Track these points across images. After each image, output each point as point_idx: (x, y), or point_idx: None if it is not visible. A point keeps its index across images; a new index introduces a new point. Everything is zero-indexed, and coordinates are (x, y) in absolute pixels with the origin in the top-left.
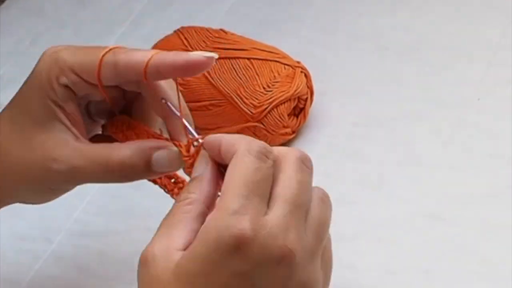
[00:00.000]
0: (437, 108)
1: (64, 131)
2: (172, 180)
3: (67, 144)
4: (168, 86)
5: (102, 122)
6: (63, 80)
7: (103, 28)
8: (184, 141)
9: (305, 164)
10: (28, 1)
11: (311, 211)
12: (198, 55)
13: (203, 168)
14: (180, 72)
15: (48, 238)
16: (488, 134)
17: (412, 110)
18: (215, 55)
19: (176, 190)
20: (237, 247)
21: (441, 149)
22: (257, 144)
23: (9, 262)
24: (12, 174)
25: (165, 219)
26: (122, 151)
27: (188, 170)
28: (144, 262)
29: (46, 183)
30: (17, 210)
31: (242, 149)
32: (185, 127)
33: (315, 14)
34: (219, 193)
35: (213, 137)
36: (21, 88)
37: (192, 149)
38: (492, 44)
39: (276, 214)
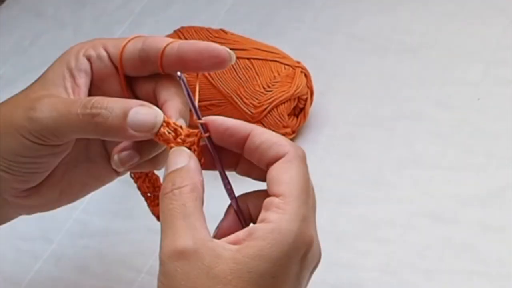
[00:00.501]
0: (437, 108)
1: (61, 95)
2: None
3: (52, 98)
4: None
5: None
6: (90, 52)
7: (103, 28)
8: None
9: (305, 159)
10: (28, 1)
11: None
12: (221, 47)
13: (186, 160)
14: (200, 60)
15: (48, 238)
16: (488, 134)
17: (412, 110)
18: (234, 56)
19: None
20: (306, 252)
21: (441, 149)
22: (301, 149)
23: (9, 262)
24: (8, 129)
25: (174, 207)
26: (104, 97)
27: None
28: (183, 256)
29: (28, 131)
30: None
31: (294, 153)
32: (195, 110)
33: (315, 14)
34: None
35: (241, 125)
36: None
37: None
38: (492, 44)
39: (315, 222)
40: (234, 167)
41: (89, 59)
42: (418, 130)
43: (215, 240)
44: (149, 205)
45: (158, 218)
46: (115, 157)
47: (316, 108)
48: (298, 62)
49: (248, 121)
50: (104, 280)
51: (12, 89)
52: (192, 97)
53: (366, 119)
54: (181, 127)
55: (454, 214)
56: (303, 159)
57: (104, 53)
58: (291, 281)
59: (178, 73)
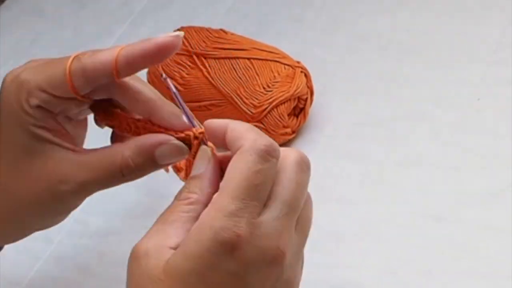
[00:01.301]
0: (437, 108)
1: (58, 150)
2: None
3: (67, 161)
4: (138, 82)
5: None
6: (34, 101)
7: (103, 28)
8: (176, 125)
9: (305, 165)
10: (28, 1)
11: (302, 211)
12: (165, 36)
13: (204, 166)
14: (151, 58)
15: (48, 238)
16: (488, 134)
17: (412, 110)
18: (181, 33)
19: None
20: (232, 249)
21: (441, 149)
22: (263, 141)
23: (9, 262)
24: (22, 211)
25: (161, 215)
26: (125, 153)
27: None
28: (136, 257)
29: (57, 207)
30: None
31: (247, 146)
32: (187, 116)
33: (315, 14)
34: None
35: (217, 122)
36: None
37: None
38: (492, 44)
39: (272, 216)
40: None
41: (39, 107)
42: (418, 130)
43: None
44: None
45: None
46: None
47: (316, 108)
48: (298, 62)
49: (248, 121)
50: (104, 280)
51: None
52: (181, 99)
53: (366, 119)
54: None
55: (454, 214)
56: (259, 151)
57: (48, 97)
58: (223, 279)
59: (163, 75)
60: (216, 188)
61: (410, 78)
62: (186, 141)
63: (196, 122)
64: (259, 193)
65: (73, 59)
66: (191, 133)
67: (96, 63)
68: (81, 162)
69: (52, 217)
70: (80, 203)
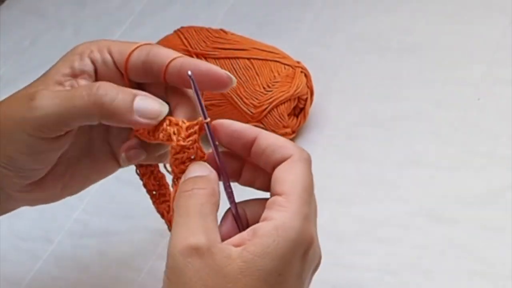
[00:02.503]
0: (437, 108)
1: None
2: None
3: (51, 89)
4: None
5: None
6: (95, 55)
7: (103, 28)
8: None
9: (310, 162)
10: (28, 1)
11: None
12: (221, 70)
13: (208, 171)
14: (201, 79)
15: (48, 238)
16: (488, 134)
17: (412, 110)
18: (234, 80)
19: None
20: (307, 250)
21: (441, 149)
22: (306, 152)
23: (9, 262)
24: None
25: (191, 206)
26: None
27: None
28: (196, 252)
29: (31, 124)
30: (17, 210)
31: (299, 155)
32: (201, 108)
33: (315, 14)
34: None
35: (249, 128)
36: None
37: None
38: (492, 44)
39: (316, 223)
40: (237, 178)
41: (93, 61)
42: (418, 130)
43: (224, 243)
44: (154, 202)
45: (162, 216)
46: (123, 155)
47: (316, 108)
48: (298, 62)
49: (248, 121)
50: (104, 280)
51: (12, 89)
52: (200, 96)
53: (366, 119)
54: (183, 121)
55: (454, 214)
56: (308, 161)
57: (109, 58)
58: (294, 279)
59: (189, 72)
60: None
61: (410, 78)
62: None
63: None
64: (313, 199)
65: (146, 44)
66: (197, 124)
67: (160, 54)
68: (62, 90)
69: (34, 147)
70: (55, 139)
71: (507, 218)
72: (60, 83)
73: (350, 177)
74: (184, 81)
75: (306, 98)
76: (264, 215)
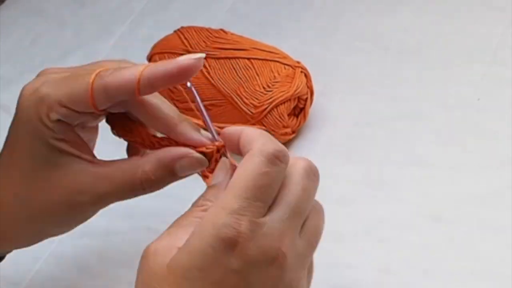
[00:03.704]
0: (437, 108)
1: (77, 162)
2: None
3: (86, 173)
4: (156, 99)
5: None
6: (55, 116)
7: (103, 28)
8: (195, 140)
9: (313, 173)
10: (28, 1)
11: (308, 219)
12: (187, 59)
13: (223, 177)
14: (173, 79)
15: (48, 238)
16: (488, 134)
17: (412, 110)
18: (202, 55)
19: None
20: (233, 246)
21: (441, 149)
22: (273, 145)
23: (9, 262)
24: (38, 221)
25: (177, 220)
26: (145, 167)
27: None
28: (146, 255)
29: (75, 217)
30: None
31: (255, 148)
32: (210, 128)
33: (315, 14)
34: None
35: (233, 129)
36: (11, 136)
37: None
38: (492, 44)
39: (275, 217)
40: None
41: (59, 121)
42: (418, 130)
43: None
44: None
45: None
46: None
47: (316, 108)
48: (298, 62)
49: (248, 121)
50: (104, 280)
51: (12, 89)
52: (204, 110)
53: (366, 119)
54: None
55: (454, 214)
56: (267, 154)
57: (68, 112)
58: (225, 275)
59: (188, 84)
60: None
61: (410, 78)
62: (207, 154)
63: (215, 134)
64: (264, 194)
65: (96, 76)
66: (214, 147)
67: (119, 81)
68: (100, 174)
69: (68, 226)
70: (96, 212)
71: (507, 218)
72: (58, 156)
73: (350, 177)
74: (157, 88)
75: (306, 98)
76: None
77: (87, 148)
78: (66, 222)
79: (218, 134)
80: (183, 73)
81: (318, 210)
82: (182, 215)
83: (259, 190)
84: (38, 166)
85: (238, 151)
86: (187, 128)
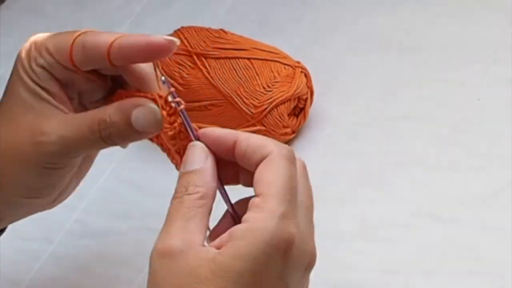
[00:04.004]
0: (437, 108)
1: (52, 109)
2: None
3: (54, 118)
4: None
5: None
6: (40, 61)
7: (103, 28)
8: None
9: (293, 159)
10: (28, 1)
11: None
12: (159, 38)
13: (202, 160)
14: (143, 55)
15: (48, 238)
16: (488, 134)
17: (412, 110)
18: (177, 41)
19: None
20: (286, 250)
21: (441, 149)
22: (286, 148)
23: (9, 262)
24: (3, 158)
25: (177, 210)
26: (106, 110)
27: (171, 142)
28: (169, 254)
29: (38, 159)
30: None
31: (276, 152)
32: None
33: (315, 14)
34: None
35: (224, 132)
36: (10, 76)
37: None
38: (492, 44)
39: (303, 220)
40: (237, 180)
41: (44, 68)
42: (418, 130)
43: (205, 245)
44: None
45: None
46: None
47: (316, 108)
48: (298, 62)
49: (248, 121)
50: (104, 280)
51: None
52: (188, 118)
53: (366, 119)
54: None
55: (454, 214)
56: (288, 157)
57: (51, 60)
58: (272, 280)
59: (163, 78)
60: (216, 181)
61: (410, 78)
62: (156, 103)
63: (192, 131)
64: (296, 195)
65: (80, 34)
66: (160, 94)
67: (95, 42)
68: (66, 119)
69: (37, 173)
70: (63, 167)
71: (507, 218)
72: (36, 100)
73: (350, 177)
74: (128, 60)
75: (306, 98)
76: (244, 217)
77: (68, 105)
78: (32, 168)
79: (197, 131)
80: (152, 50)
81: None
82: (181, 206)
83: (294, 191)
84: (15, 107)
85: (229, 154)
86: (152, 78)
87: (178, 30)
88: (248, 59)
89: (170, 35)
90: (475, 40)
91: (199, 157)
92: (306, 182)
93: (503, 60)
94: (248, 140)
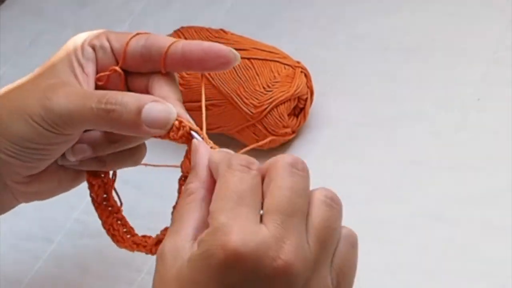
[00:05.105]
0: (437, 108)
1: (74, 84)
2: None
3: (67, 87)
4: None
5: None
6: (95, 41)
7: (103, 28)
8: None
9: (296, 168)
10: (28, 1)
11: (311, 216)
12: (224, 47)
13: (203, 159)
14: (207, 60)
15: (48, 238)
16: (488, 134)
17: (412, 110)
18: (238, 56)
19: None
20: (227, 260)
21: (441, 149)
22: (237, 159)
23: (9, 262)
24: (11, 107)
25: (173, 215)
26: (121, 92)
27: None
28: (157, 259)
29: (40, 120)
30: (17, 210)
31: (222, 166)
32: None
33: (315, 14)
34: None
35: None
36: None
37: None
38: (492, 44)
39: (268, 225)
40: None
41: (93, 48)
42: (418, 130)
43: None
44: (100, 215)
45: (108, 230)
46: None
47: (316, 108)
48: (298, 62)
49: (248, 121)
50: (104, 280)
51: None
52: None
53: (366, 119)
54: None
55: (455, 214)
56: (238, 166)
57: (107, 45)
58: None
59: (193, 133)
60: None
61: (410, 78)
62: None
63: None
64: (245, 199)
65: (145, 34)
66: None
67: (157, 41)
68: (76, 91)
69: (41, 133)
70: (60, 134)
71: (507, 218)
72: (69, 73)
73: (350, 177)
74: (187, 64)
75: (306, 98)
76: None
77: (91, 88)
78: (35, 126)
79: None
80: (213, 58)
81: (324, 202)
82: (175, 209)
83: (239, 196)
84: (47, 72)
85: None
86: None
87: (178, 30)
88: (248, 59)
89: (170, 35)
90: (475, 40)
91: (192, 158)
92: (284, 183)
93: (503, 60)
94: (211, 164)
